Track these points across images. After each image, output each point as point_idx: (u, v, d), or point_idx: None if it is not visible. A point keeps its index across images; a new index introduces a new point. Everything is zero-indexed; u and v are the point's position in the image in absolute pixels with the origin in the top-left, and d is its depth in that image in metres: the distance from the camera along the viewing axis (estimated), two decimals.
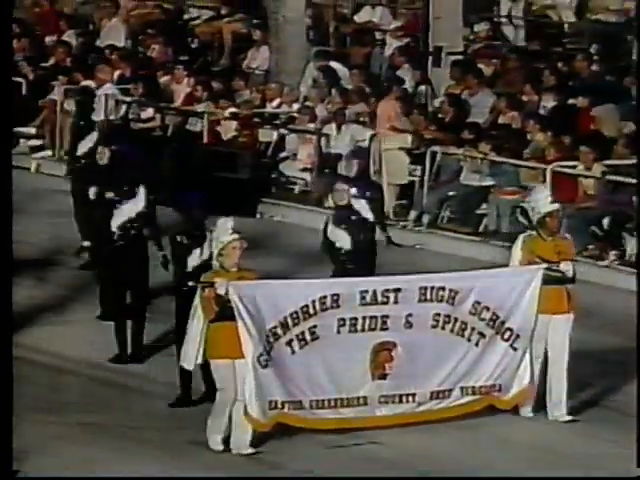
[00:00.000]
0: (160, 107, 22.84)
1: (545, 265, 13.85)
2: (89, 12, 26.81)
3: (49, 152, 23.44)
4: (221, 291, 12.86)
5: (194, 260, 14.19)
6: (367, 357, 13.43)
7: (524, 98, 21.39)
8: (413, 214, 20.60)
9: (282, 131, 21.88)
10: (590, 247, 19.12)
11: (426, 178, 20.55)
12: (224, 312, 12.89)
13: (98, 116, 22.47)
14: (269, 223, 20.71)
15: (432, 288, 13.63)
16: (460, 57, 22.56)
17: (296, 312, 13.20)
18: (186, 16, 26.73)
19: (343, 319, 13.34)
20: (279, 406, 13.07)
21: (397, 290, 13.51)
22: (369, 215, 15.62)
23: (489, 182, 20.17)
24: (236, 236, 13.16)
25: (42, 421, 13.64)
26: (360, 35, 24.44)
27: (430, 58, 22.60)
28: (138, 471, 12.39)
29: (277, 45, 23.51)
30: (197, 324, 13.06)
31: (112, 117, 22.57)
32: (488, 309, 13.73)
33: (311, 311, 13.25)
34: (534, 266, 13.88)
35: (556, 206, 14.30)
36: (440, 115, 21.36)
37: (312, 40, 23.88)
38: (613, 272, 18.43)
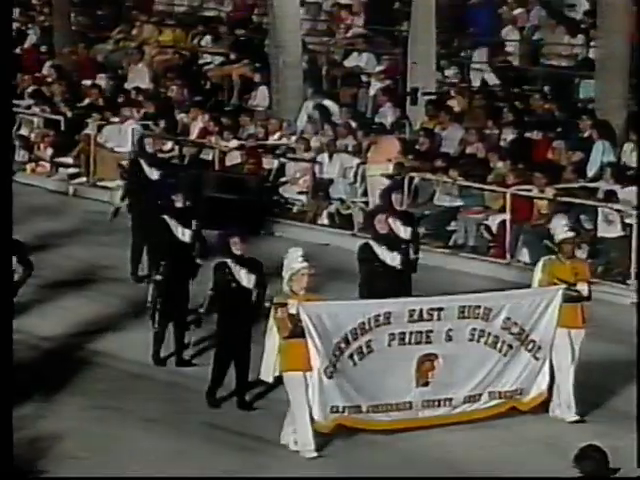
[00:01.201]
0: (178, 140, 22.70)
1: (564, 286, 13.75)
2: (118, 59, 26.63)
3: (84, 178, 23.17)
4: (293, 311, 12.70)
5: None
6: (413, 367, 13.35)
7: (487, 132, 21.28)
8: None
9: (282, 160, 21.75)
10: (543, 258, 19.06)
11: (405, 200, 20.29)
12: (295, 330, 12.74)
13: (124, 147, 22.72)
14: (269, 239, 20.43)
15: (469, 307, 13.57)
16: (433, 97, 22.40)
17: (355, 329, 13.09)
18: (200, 61, 26.52)
19: (393, 334, 13.26)
20: (340, 410, 13.01)
21: (440, 309, 13.44)
22: (407, 237, 15.65)
23: (458, 203, 20.03)
24: (305, 264, 13.02)
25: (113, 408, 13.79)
26: (348, 77, 24.28)
27: (408, 97, 22.44)
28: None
29: (277, 86, 23.40)
30: (272, 341, 12.94)
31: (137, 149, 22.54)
32: (516, 324, 13.67)
33: (367, 327, 13.13)
34: (555, 287, 13.79)
35: (571, 234, 14.19)
36: (417, 146, 21.18)
37: (307, 82, 23.66)
38: None
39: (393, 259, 15.11)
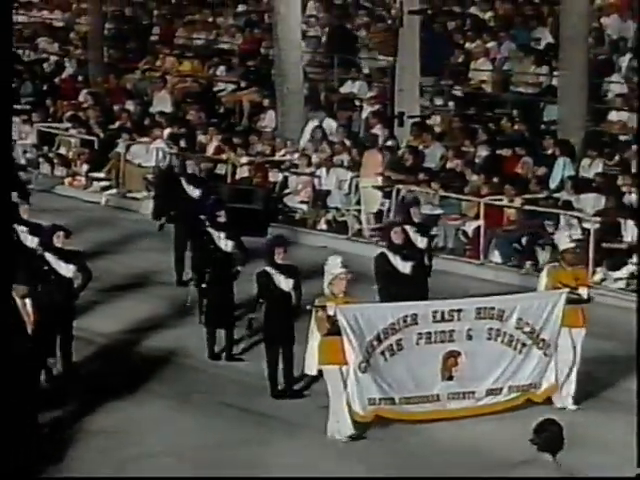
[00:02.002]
0: (196, 157, 22.70)
1: (567, 290, 13.55)
2: (144, 87, 26.63)
3: (114, 190, 23.25)
4: (331, 312, 12.52)
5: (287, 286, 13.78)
6: (439, 363, 13.14)
7: (464, 149, 21.30)
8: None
9: (286, 174, 21.80)
10: (512, 259, 19.17)
11: (392, 208, 20.42)
12: (333, 329, 12.56)
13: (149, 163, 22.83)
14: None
15: (485, 308, 13.37)
16: (417, 119, 22.41)
17: (386, 328, 12.89)
18: (215, 89, 26.52)
19: (420, 333, 13.07)
20: (376, 402, 12.80)
21: (459, 310, 13.23)
22: (423, 247, 15.55)
23: (439, 211, 20.03)
24: (343, 270, 12.85)
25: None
26: (344, 102, 24.24)
27: (395, 120, 22.44)
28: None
29: (282, 110, 23.40)
30: (314, 339, 12.78)
31: (161, 165, 22.67)
32: (528, 324, 13.45)
33: (397, 327, 12.94)
34: (559, 290, 13.59)
35: (573, 244, 14.04)
36: (403, 162, 21.21)
37: (308, 106, 23.69)
38: (529, 277, 18.41)
39: (404, 267, 14.93)
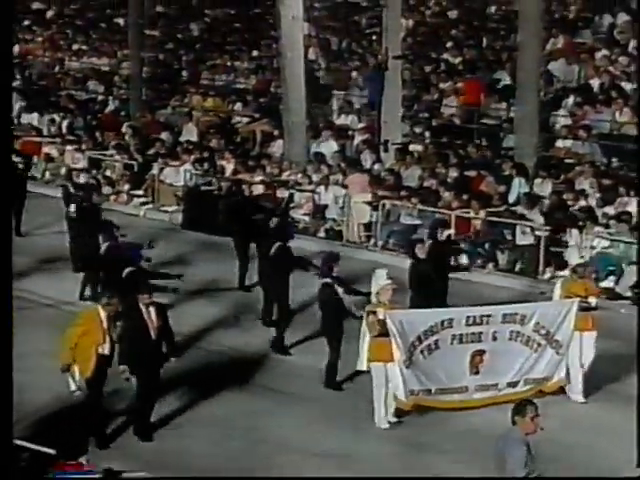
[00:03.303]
0: (217, 177, 22.78)
1: (578, 299, 13.39)
2: (175, 120, 26.66)
3: (150, 205, 23.23)
4: (380, 317, 12.41)
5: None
6: (467, 360, 12.98)
7: (438, 171, 21.33)
8: (372, 241, 20.53)
9: (291, 190, 21.74)
10: (478, 261, 19.24)
11: (380, 220, 20.51)
12: (382, 331, 12.43)
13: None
14: None
15: (510, 314, 13.18)
16: (400, 146, 22.43)
17: (426, 330, 12.75)
18: (233, 121, 26.52)
19: (454, 335, 12.90)
20: (416, 393, 12.69)
21: (489, 315, 13.09)
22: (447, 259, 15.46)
23: (417, 222, 20.06)
24: (389, 281, 12.68)
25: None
26: (339, 132, 24.21)
27: (381, 146, 22.51)
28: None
29: (288, 138, 23.38)
30: (365, 339, 12.61)
31: (189, 184, 22.73)
32: (544, 327, 13.28)
33: (435, 329, 12.80)
34: (572, 299, 13.43)
35: (582, 260, 14.06)
36: (388, 180, 21.27)
37: (310, 135, 23.66)
38: (491, 276, 18.43)
39: (425, 274, 14.64)
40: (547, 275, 18.34)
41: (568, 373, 13.39)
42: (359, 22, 29.74)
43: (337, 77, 26.33)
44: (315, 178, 21.88)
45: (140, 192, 23.51)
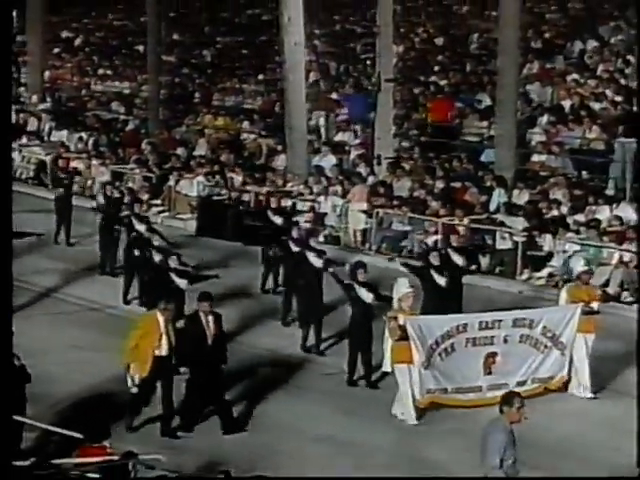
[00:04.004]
0: (228, 188, 22.77)
1: (582, 304, 13.22)
2: (189, 137, 26.68)
3: (167, 213, 23.17)
4: (401, 323, 12.26)
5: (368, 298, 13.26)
6: (481, 361, 12.81)
7: (426, 182, 21.31)
8: (367, 245, 20.51)
9: (294, 200, 21.68)
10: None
11: (374, 226, 20.50)
12: (403, 335, 12.27)
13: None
14: None
15: (520, 319, 13.02)
16: (392, 160, 22.39)
17: (443, 334, 12.58)
18: (241, 137, 26.49)
19: (468, 338, 12.74)
20: (432, 391, 12.53)
21: (500, 320, 12.92)
22: (460, 264, 15.01)
23: (408, 228, 20.09)
24: (411, 289, 12.55)
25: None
26: (337, 147, 24.19)
27: (375, 160, 22.49)
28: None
29: (291, 153, 23.34)
30: (388, 343, 12.48)
31: (202, 194, 22.69)
32: (550, 330, 13.10)
33: (450, 333, 12.64)
34: (575, 304, 13.26)
35: (586, 268, 13.81)
36: (381, 190, 21.25)
37: (311, 149, 23.65)
38: (475, 277, 18.35)
39: (439, 280, 14.42)
40: (524, 276, 18.37)
41: (570, 371, 13.18)
42: (355, 48, 29.76)
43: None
44: (315, 189, 21.88)
45: (158, 202, 23.49)
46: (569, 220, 18.79)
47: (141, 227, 16.72)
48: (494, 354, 12.83)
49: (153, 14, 27.46)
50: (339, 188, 21.64)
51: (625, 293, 17.04)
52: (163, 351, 11.64)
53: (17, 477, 8.73)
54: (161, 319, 11.70)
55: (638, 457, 10.35)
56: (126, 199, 22.57)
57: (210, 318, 11.86)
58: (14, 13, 35.34)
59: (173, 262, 14.21)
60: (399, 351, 12.31)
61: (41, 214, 20.87)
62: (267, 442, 11.58)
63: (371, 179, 21.92)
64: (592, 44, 25.60)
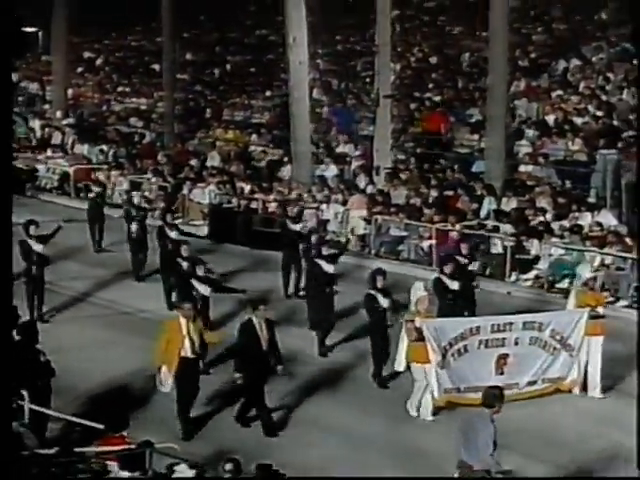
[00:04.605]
0: (237, 196, 22.74)
1: (588, 308, 13.00)
2: (201, 149, 26.62)
3: (181, 220, 22.74)
4: (417, 325, 12.08)
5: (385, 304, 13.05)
6: (493, 362, 12.59)
7: (421, 191, 21.29)
8: (367, 249, 20.46)
9: (299, 207, 21.62)
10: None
11: (373, 231, 20.46)
12: (419, 337, 12.10)
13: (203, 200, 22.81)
14: None
15: (529, 322, 12.80)
16: (389, 170, 22.35)
17: (456, 336, 12.37)
18: (250, 149, 26.44)
19: (481, 340, 12.52)
20: (448, 391, 12.34)
21: (511, 323, 12.70)
22: (472, 268, 14.81)
23: (404, 233, 20.04)
24: (426, 293, 12.39)
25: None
26: (339, 158, 24.16)
27: (374, 171, 22.44)
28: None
29: (296, 164, 23.33)
30: (403, 344, 12.31)
31: (213, 202, 22.66)
32: (559, 333, 12.90)
33: (464, 335, 12.44)
34: (583, 309, 13.04)
35: (593, 274, 13.70)
36: (379, 199, 21.21)
37: (314, 160, 23.60)
38: None
39: (452, 285, 14.18)
40: (513, 278, 18.33)
41: (581, 373, 12.97)
42: (355, 66, 29.73)
43: (338, 113, 26.31)
44: (319, 197, 21.84)
45: (173, 209, 23.39)
46: (554, 226, 18.76)
47: (173, 234, 16.51)
48: (506, 355, 12.64)
49: (168, 35, 27.55)
50: (340, 196, 21.64)
51: (605, 293, 16.99)
52: (188, 352, 11.39)
53: (43, 464, 8.73)
54: (183, 321, 11.47)
55: (638, 457, 10.07)
56: (157, 209, 22.44)
57: (264, 324, 11.56)
58: (40, 34, 35.56)
59: (200, 270, 13.96)
60: (416, 351, 12.14)
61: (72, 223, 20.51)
62: (295, 436, 11.50)
63: (370, 188, 21.92)
64: (575, 63, 25.60)
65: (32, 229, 15.31)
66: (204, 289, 13.76)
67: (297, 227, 17.71)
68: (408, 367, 12.34)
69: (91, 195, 20.91)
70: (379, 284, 13.20)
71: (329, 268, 14.79)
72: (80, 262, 18.93)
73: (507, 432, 11.31)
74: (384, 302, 13.08)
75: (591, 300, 13.19)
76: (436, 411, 12.22)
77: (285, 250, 17.39)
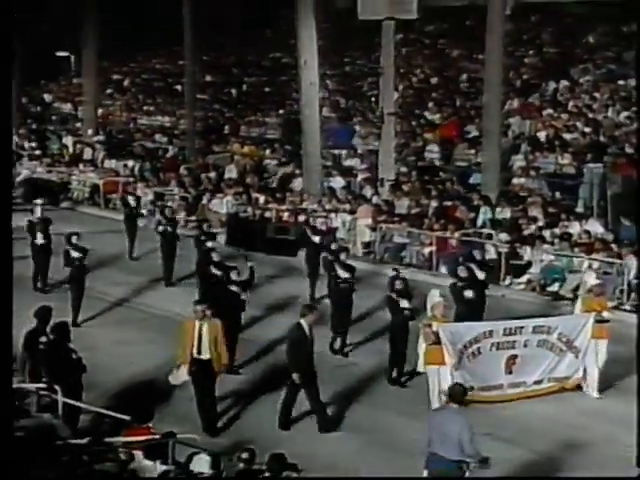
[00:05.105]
0: (252, 206, 22.68)
1: (594, 313, 12.90)
2: (220, 162, 26.56)
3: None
4: (434, 329, 11.98)
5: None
6: (503, 363, 12.49)
7: (422, 202, 21.26)
8: (371, 255, 20.42)
9: (309, 216, 21.58)
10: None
11: (377, 239, 20.44)
12: (436, 340, 11.98)
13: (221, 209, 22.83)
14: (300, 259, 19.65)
15: (539, 326, 12.73)
16: (393, 182, 22.32)
17: (471, 340, 12.29)
18: (264, 163, 26.46)
19: (493, 343, 12.41)
20: None
21: (521, 327, 12.64)
22: (482, 278, 14.49)
23: (407, 241, 20.00)
24: (442, 299, 12.33)
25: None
26: (346, 172, 24.16)
27: (378, 182, 22.42)
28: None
29: (307, 177, 23.33)
30: (422, 347, 12.22)
31: (230, 212, 22.65)
32: (565, 336, 12.79)
33: (478, 339, 12.34)
34: (589, 313, 12.94)
35: (597, 282, 13.38)
36: (383, 208, 21.20)
37: (323, 173, 23.55)
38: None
39: (466, 292, 13.92)
40: (507, 282, 18.30)
41: (587, 373, 12.91)
42: (362, 87, 29.76)
43: (344, 130, 26.32)
44: (328, 207, 21.83)
45: (193, 218, 23.36)
46: (545, 234, 18.73)
47: (209, 244, 16.40)
48: (515, 356, 12.55)
49: (189, 59, 27.65)
50: (348, 206, 21.64)
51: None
52: (196, 352, 11.22)
53: (75, 453, 8.78)
54: (197, 322, 11.31)
55: (638, 457, 9.77)
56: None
57: (311, 327, 11.50)
58: (72, 59, 35.76)
59: (234, 275, 13.77)
60: (432, 354, 12.03)
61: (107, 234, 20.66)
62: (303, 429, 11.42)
63: (375, 198, 21.90)
64: (564, 83, 25.61)
65: (74, 239, 15.53)
66: (243, 294, 13.57)
67: (316, 238, 17.65)
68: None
69: (127, 207, 20.95)
70: (397, 286, 13.14)
71: (347, 275, 14.67)
72: (117, 269, 18.93)
73: (513, 427, 11.43)
74: (404, 303, 13.00)
75: (597, 305, 13.06)
76: None
77: (310, 260, 17.05)
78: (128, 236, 20.13)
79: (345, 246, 17.77)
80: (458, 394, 8.91)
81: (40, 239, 16.88)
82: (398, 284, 13.14)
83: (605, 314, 13.04)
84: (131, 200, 21.17)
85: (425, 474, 8.93)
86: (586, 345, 12.83)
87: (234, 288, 13.63)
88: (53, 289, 16.81)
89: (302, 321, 11.47)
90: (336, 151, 25.08)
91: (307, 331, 11.42)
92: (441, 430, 8.77)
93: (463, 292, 13.83)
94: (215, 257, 15.08)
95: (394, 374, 13.02)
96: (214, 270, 14.75)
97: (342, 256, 15.09)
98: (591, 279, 13.74)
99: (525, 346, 12.58)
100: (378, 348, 13.72)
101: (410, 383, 13.01)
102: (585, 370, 12.91)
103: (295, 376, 11.31)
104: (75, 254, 15.38)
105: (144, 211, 22.83)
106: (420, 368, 12.41)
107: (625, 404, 11.95)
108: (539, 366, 12.74)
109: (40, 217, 17.49)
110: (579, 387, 12.96)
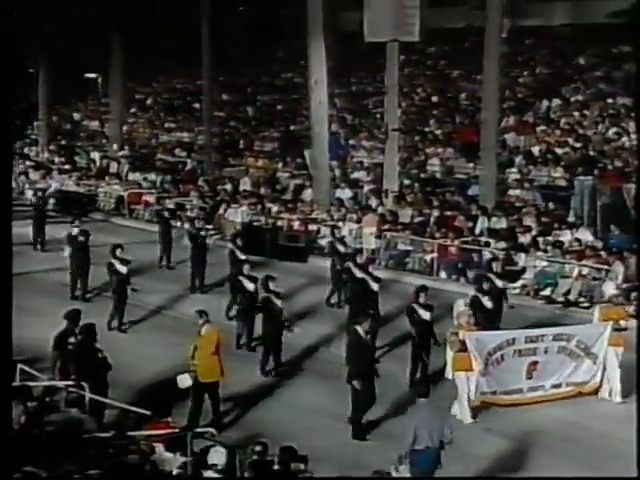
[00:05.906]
0: (265, 215, 22.68)
1: (612, 322, 12.75)
2: (236, 175, 26.59)
3: (218, 235, 22.72)
4: (461, 337, 11.89)
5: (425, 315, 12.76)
6: (524, 368, 12.38)
7: (425, 211, 21.21)
8: (377, 261, 20.25)
9: (318, 225, 21.68)
10: (452, 276, 19.06)
11: (382, 245, 20.42)
12: (462, 348, 11.87)
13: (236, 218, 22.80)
14: (312, 264, 20.00)
15: (559, 334, 12.65)
16: (397, 193, 22.27)
17: (495, 347, 12.18)
18: (277, 175, 26.41)
19: (516, 350, 12.33)
20: (484, 394, 12.11)
21: (543, 335, 12.57)
22: (501, 286, 14.36)
23: (410, 248, 19.97)
24: (467, 309, 12.31)
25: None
26: (353, 183, 24.10)
27: (383, 193, 22.35)
28: None
29: (316, 188, 23.29)
30: (449, 354, 12.16)
31: (245, 221, 22.66)
32: (584, 343, 12.70)
33: (502, 346, 12.24)
34: (607, 322, 12.80)
35: (616, 292, 13.33)
36: (388, 218, 21.15)
37: (332, 185, 23.52)
38: (463, 287, 18.22)
39: (486, 302, 13.69)
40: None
41: (602, 379, 12.73)
42: (367, 104, 29.74)
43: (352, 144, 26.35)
44: (336, 216, 21.79)
45: (211, 226, 23.16)
46: (538, 241, 18.68)
47: (243, 257, 16.28)
48: (536, 362, 12.46)
49: (208, 79, 27.71)
50: (355, 215, 21.57)
51: (582, 299, 16.95)
52: (191, 359, 11.26)
53: (101, 445, 8.80)
54: (202, 330, 11.43)
55: (638, 457, 9.39)
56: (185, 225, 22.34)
57: (368, 336, 11.44)
58: (99, 80, 35.91)
59: (272, 284, 13.63)
60: (459, 361, 11.89)
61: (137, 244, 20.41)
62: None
63: (380, 208, 21.86)
64: (556, 102, 25.57)
65: (118, 252, 15.43)
66: (279, 302, 13.46)
67: (342, 248, 17.60)
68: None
69: (162, 219, 20.82)
70: (421, 300, 12.93)
71: (375, 286, 14.53)
72: (151, 277, 18.63)
73: (530, 429, 11.34)
74: (425, 315, 12.79)
75: (614, 314, 12.90)
76: (475, 413, 11.90)
77: (333, 269, 17.00)
78: (163, 246, 20.00)
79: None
80: (423, 392, 9.12)
81: (80, 250, 16.82)
82: (422, 297, 12.88)
83: (622, 322, 12.82)
84: (166, 213, 21.17)
85: (406, 474, 8.93)
86: (604, 352, 12.66)
87: (275, 300, 13.37)
88: (92, 297, 16.70)
89: (358, 328, 11.33)
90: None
91: (364, 337, 11.30)
92: (432, 425, 8.77)
93: (483, 302, 13.58)
94: (246, 269, 14.95)
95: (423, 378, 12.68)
96: (245, 282, 14.60)
97: (371, 267, 14.91)
98: (610, 289, 13.63)
99: (545, 352, 12.47)
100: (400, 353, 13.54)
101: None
102: (605, 375, 12.71)
103: (355, 383, 11.09)
104: (120, 267, 15.18)
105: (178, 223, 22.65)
106: (448, 375, 12.23)
107: (625, 404, 12.01)
108: (557, 371, 12.61)
109: (79, 229, 17.50)
110: (596, 392, 12.79)
